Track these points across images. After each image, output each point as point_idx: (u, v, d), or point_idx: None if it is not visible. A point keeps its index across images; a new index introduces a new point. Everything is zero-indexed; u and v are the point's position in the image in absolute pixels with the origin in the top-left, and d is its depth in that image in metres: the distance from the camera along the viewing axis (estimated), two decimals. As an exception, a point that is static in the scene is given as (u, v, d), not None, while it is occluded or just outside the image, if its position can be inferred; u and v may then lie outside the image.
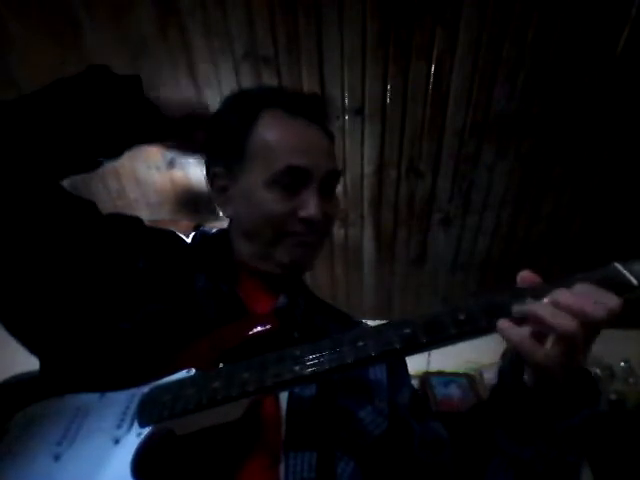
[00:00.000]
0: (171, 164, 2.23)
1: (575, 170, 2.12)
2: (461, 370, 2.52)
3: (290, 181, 0.74)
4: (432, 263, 2.59)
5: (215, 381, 0.54)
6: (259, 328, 0.61)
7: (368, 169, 2.18)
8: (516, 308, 0.50)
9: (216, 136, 0.82)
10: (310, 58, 1.82)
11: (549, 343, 0.48)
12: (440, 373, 2.47)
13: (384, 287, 2.74)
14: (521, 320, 0.49)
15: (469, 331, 0.50)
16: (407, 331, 0.51)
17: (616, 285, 0.50)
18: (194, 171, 2.25)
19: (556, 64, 1.77)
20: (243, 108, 0.79)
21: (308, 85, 1.88)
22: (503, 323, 0.50)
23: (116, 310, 0.67)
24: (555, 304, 0.48)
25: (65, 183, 0.72)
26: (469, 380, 2.48)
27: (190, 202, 2.39)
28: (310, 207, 0.73)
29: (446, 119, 1.98)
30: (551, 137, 2.00)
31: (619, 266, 0.51)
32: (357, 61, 1.82)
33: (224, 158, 0.79)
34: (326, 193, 0.77)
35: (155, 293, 0.70)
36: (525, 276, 0.54)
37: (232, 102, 0.83)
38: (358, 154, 2.12)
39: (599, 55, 1.73)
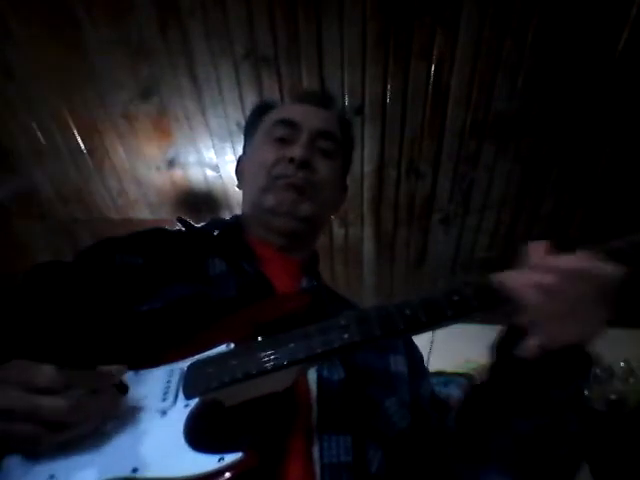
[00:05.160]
0: (171, 164, 2.22)
1: (575, 170, 2.12)
2: (461, 370, 2.52)
3: (282, 133, 0.85)
4: (432, 263, 2.59)
5: (260, 352, 0.55)
6: (296, 304, 0.62)
7: (368, 169, 2.18)
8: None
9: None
10: (310, 58, 1.82)
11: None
12: (440, 373, 2.47)
13: (384, 287, 2.74)
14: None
15: (464, 311, 0.53)
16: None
17: None
18: (194, 171, 2.25)
19: (556, 64, 1.77)
20: (260, 109, 0.96)
21: (308, 85, 1.88)
22: (500, 275, 0.54)
23: (134, 298, 0.66)
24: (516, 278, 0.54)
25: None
26: (469, 380, 2.48)
27: (190, 202, 2.39)
28: (296, 148, 0.82)
29: (446, 119, 1.98)
30: (551, 137, 2.00)
31: None
32: (357, 61, 1.82)
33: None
34: (320, 150, 0.85)
35: (169, 278, 0.70)
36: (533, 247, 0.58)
37: (255, 109, 0.99)
38: (358, 154, 2.12)
39: (599, 55, 1.73)
